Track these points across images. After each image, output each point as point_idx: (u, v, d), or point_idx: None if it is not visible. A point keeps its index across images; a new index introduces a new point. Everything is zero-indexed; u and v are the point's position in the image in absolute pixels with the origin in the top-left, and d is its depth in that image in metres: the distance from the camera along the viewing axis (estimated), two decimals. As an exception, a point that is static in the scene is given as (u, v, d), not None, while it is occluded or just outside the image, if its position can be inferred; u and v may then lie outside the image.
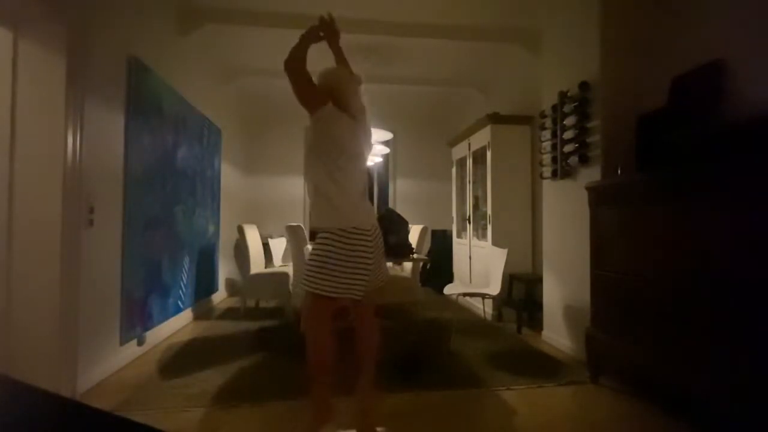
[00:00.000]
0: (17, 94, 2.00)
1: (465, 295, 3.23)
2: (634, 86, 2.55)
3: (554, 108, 3.00)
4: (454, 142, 5.04)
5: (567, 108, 2.84)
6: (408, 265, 3.52)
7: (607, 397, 2.16)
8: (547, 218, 3.20)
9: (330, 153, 1.60)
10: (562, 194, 2.97)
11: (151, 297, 2.95)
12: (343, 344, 1.68)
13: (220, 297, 4.72)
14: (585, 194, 2.44)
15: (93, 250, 2.26)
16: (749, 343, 1.46)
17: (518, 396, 2.15)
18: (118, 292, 2.54)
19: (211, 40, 3.93)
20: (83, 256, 2.16)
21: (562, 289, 2.95)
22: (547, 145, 3.11)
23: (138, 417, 1.22)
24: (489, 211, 4.00)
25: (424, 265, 3.71)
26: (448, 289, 3.29)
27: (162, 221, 3.13)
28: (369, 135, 1.83)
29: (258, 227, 4.65)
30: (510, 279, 3.73)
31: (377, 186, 6.73)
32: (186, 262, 3.63)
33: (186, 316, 3.64)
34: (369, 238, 1.58)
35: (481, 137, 4.20)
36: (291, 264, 3.83)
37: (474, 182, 4.51)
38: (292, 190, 6.39)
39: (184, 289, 3.58)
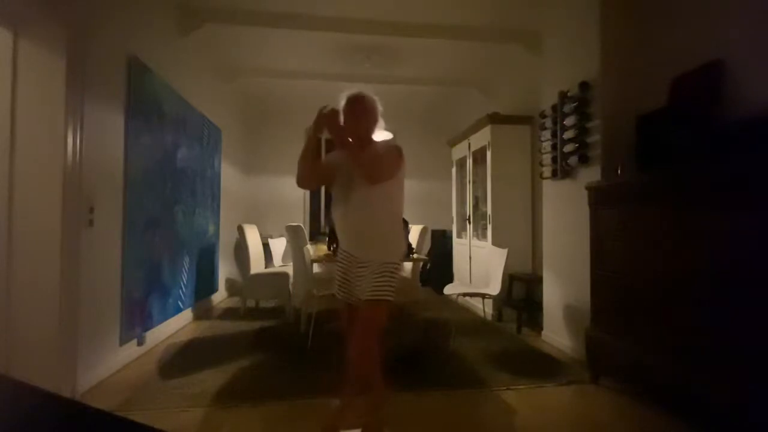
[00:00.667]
0: (17, 94, 2.00)
1: (465, 295, 3.23)
2: (634, 86, 2.55)
3: (554, 108, 3.00)
4: (454, 142, 5.04)
5: (567, 108, 2.84)
6: (408, 265, 3.52)
7: (607, 397, 2.16)
8: (547, 218, 3.20)
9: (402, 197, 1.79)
10: (562, 194, 2.97)
11: (151, 297, 2.95)
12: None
13: (220, 297, 4.72)
14: (585, 194, 2.44)
15: (93, 250, 2.26)
16: (749, 343, 1.47)
17: (518, 396, 2.15)
18: (118, 292, 2.54)
19: (211, 40, 3.93)
20: (83, 256, 2.16)
21: (562, 289, 2.95)
22: (547, 145, 3.11)
23: (138, 417, 1.23)
24: (489, 211, 4.00)
25: (424, 265, 3.71)
26: (448, 289, 3.29)
27: (162, 221, 3.12)
28: None
29: (258, 227, 4.65)
30: (510, 279, 3.73)
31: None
32: (186, 262, 3.63)
33: (186, 316, 3.64)
34: None
35: (481, 137, 4.20)
36: (291, 264, 3.83)
37: (474, 182, 4.51)
38: (292, 190, 6.37)
39: (184, 289, 3.58)
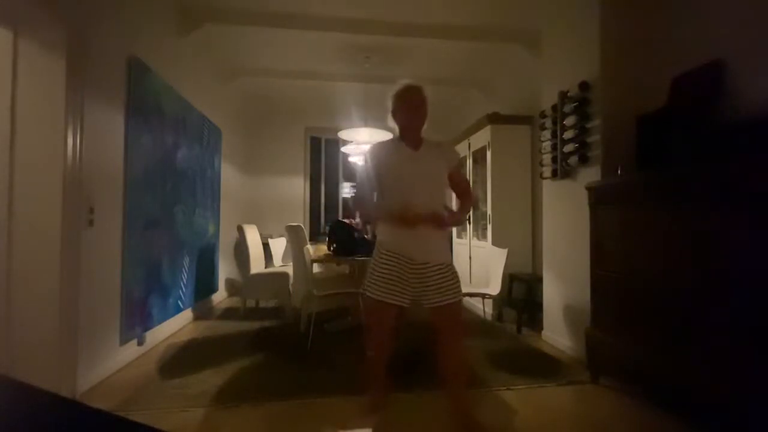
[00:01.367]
0: (17, 95, 2.00)
1: (465, 295, 3.23)
2: (634, 86, 2.55)
3: (554, 108, 3.00)
4: (454, 142, 5.03)
5: (567, 108, 2.84)
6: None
7: (607, 397, 2.16)
8: (547, 218, 3.20)
9: None
10: (562, 194, 2.97)
11: (151, 297, 2.95)
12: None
13: (220, 297, 4.72)
14: (585, 194, 2.44)
15: (93, 250, 2.26)
16: (749, 342, 1.46)
17: (518, 396, 2.15)
18: (118, 292, 2.54)
19: (211, 40, 3.93)
20: (83, 256, 2.16)
21: (562, 289, 2.95)
22: (547, 145, 3.11)
23: (138, 417, 1.23)
24: (489, 211, 4.00)
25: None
26: (448, 289, 3.28)
27: (162, 221, 3.12)
28: None
29: (258, 227, 4.65)
30: (510, 279, 3.73)
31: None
32: (186, 262, 3.63)
33: (186, 316, 3.64)
34: None
35: (481, 137, 4.20)
36: (291, 264, 3.83)
37: (474, 182, 4.50)
38: (292, 190, 6.38)
39: (184, 289, 3.58)
